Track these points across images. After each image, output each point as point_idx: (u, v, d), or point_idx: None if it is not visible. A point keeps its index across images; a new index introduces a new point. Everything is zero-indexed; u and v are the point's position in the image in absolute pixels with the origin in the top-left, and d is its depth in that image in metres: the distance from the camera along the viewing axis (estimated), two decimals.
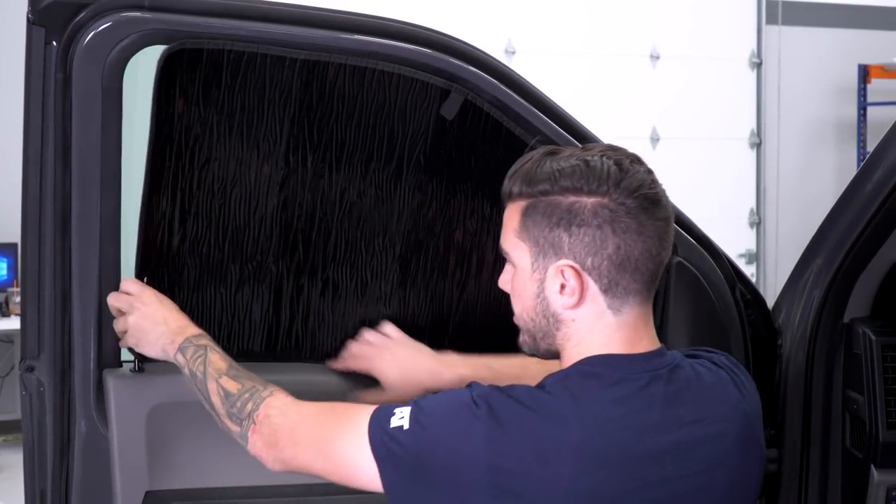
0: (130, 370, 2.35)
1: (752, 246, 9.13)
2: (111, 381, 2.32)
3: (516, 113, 2.43)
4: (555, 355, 2.00)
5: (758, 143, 9.08)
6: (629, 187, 1.89)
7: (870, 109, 9.21)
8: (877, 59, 9.21)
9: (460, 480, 1.85)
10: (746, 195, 9.12)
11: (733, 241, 8.74)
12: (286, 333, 2.49)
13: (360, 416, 1.94)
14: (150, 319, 2.26)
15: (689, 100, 8.84)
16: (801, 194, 9.14)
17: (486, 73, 2.42)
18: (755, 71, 9.09)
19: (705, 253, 2.59)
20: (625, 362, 1.94)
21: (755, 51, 9.07)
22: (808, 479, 2.66)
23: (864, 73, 9.20)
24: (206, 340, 2.22)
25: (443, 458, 1.86)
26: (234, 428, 2.12)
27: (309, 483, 2.43)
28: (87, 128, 2.25)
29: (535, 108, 2.45)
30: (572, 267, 1.92)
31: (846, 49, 9.27)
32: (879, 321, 2.65)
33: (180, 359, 2.22)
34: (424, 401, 1.92)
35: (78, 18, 2.23)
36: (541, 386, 1.92)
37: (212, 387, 2.16)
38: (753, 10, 9.07)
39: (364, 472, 1.92)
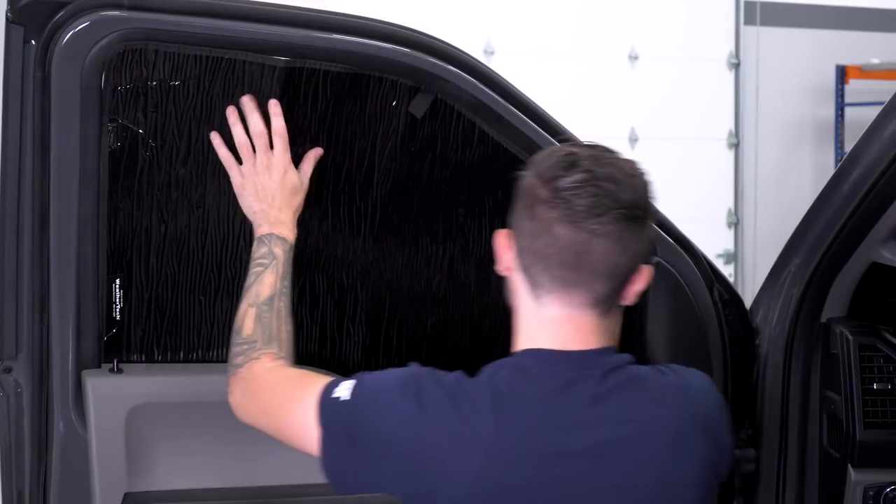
0: (109, 371, 2.35)
1: (730, 246, 9.14)
2: (90, 382, 2.31)
3: (495, 112, 2.43)
4: None
5: (736, 144, 9.10)
6: (560, 185, 1.94)
7: (847, 110, 9.23)
8: (854, 60, 9.23)
9: (383, 455, 1.95)
10: (724, 195, 9.13)
11: (711, 241, 8.75)
12: None
13: (314, 387, 2.04)
14: (259, 192, 2.33)
15: (668, 100, 8.84)
16: (778, 195, 9.15)
17: (466, 73, 2.42)
18: (733, 71, 9.10)
19: (683, 253, 2.59)
20: (555, 358, 1.98)
21: (733, 51, 9.08)
22: (785, 478, 2.67)
23: (842, 74, 9.21)
24: (281, 250, 2.28)
25: (368, 431, 1.96)
26: (229, 367, 2.23)
27: (290, 484, 2.43)
28: (66, 127, 2.24)
29: (515, 107, 2.45)
30: (505, 234, 2.02)
31: (824, 50, 9.28)
32: (856, 321, 2.66)
33: (255, 250, 2.30)
34: (367, 376, 2.03)
35: (57, 17, 2.23)
36: (477, 375, 1.99)
37: (240, 310, 2.26)
38: (732, 10, 9.07)
39: (310, 437, 2.02)
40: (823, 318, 2.67)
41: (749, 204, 9.15)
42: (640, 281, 2.01)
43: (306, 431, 2.02)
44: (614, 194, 1.94)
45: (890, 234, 2.56)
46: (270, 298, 2.25)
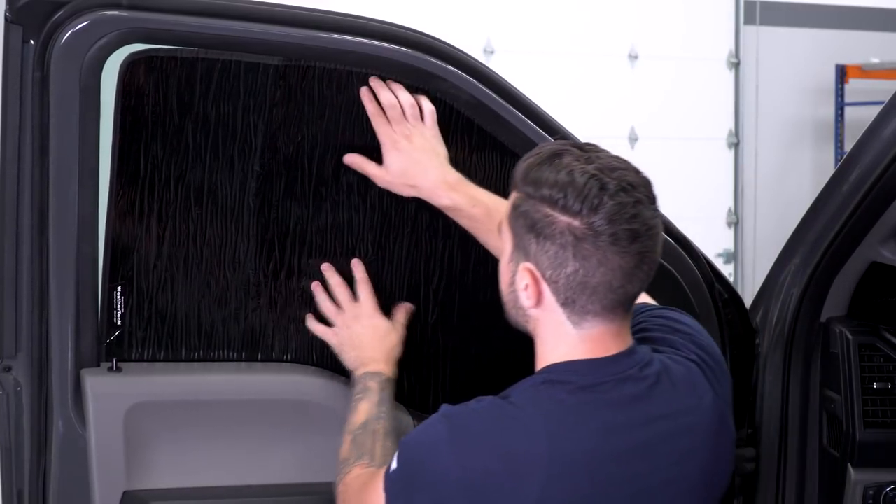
0: (108, 369, 2.35)
1: (730, 245, 9.15)
2: (89, 381, 2.31)
3: (495, 113, 2.43)
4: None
5: (736, 143, 9.10)
6: (603, 216, 1.88)
7: (847, 110, 9.23)
8: (854, 59, 9.23)
9: (440, 499, 1.91)
10: (724, 195, 9.13)
11: (711, 240, 8.75)
12: (264, 336, 2.48)
13: (381, 475, 2.02)
14: (352, 341, 2.42)
15: (668, 100, 8.84)
16: (778, 194, 9.16)
17: (465, 73, 2.42)
18: (733, 71, 9.10)
19: (683, 253, 2.59)
20: (590, 367, 1.96)
21: (733, 51, 9.08)
22: (785, 478, 2.67)
23: (842, 74, 9.22)
24: (374, 382, 2.34)
25: (421, 482, 1.93)
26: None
27: (285, 483, 2.43)
28: (65, 126, 2.24)
29: (514, 107, 2.45)
30: (532, 273, 1.95)
31: (824, 49, 9.28)
32: (856, 321, 2.66)
33: (353, 389, 2.36)
34: (404, 437, 2.02)
35: (55, 17, 2.22)
36: (506, 396, 1.96)
37: (342, 438, 2.28)
38: (731, 10, 9.07)
39: None
40: (823, 318, 2.67)
41: (749, 203, 9.15)
42: None
43: None
44: (645, 201, 1.93)
45: (890, 234, 2.56)
46: (364, 423, 2.27)
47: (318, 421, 2.43)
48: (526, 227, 1.94)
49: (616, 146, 8.72)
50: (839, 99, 9.25)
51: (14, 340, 2.35)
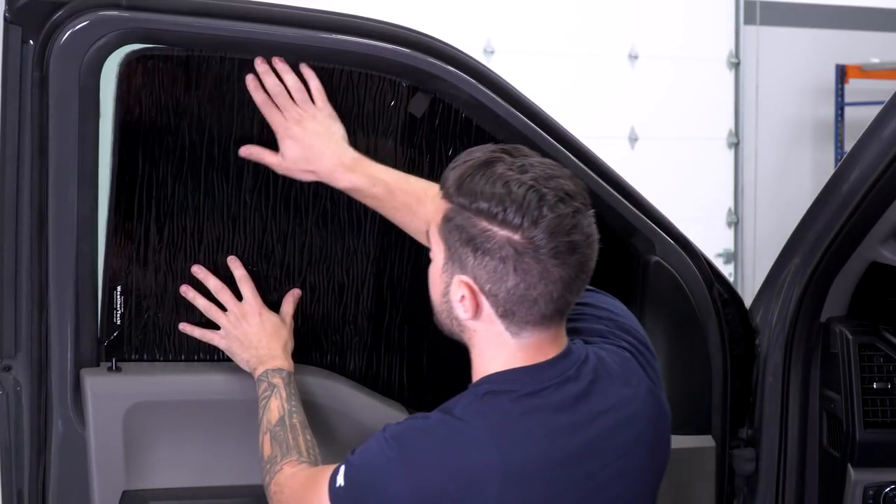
0: (108, 369, 2.35)
1: (730, 245, 9.15)
2: (88, 381, 2.32)
3: (494, 113, 2.43)
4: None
5: (736, 143, 9.10)
6: (544, 230, 1.86)
7: (847, 110, 9.23)
8: (854, 59, 9.23)
9: None
10: (724, 195, 9.13)
11: (711, 240, 8.75)
12: None
13: (324, 483, 1.99)
14: (244, 341, 2.38)
15: (668, 100, 8.84)
16: (778, 194, 9.16)
17: (465, 73, 2.42)
18: (733, 71, 9.10)
19: (683, 253, 2.59)
20: (531, 374, 1.95)
21: (733, 51, 9.08)
22: (785, 478, 2.67)
23: (842, 74, 9.22)
24: (279, 378, 2.31)
25: None
26: (267, 495, 2.21)
27: None
28: (64, 126, 2.24)
29: (514, 108, 2.45)
30: (470, 286, 1.92)
31: (824, 49, 9.28)
32: (856, 321, 2.66)
33: (257, 389, 2.33)
34: (353, 456, 1.97)
35: (55, 17, 2.23)
36: (450, 410, 1.94)
37: (260, 438, 2.26)
38: (731, 10, 9.07)
39: None
40: (823, 318, 2.67)
41: (749, 203, 9.15)
42: None
43: None
44: (583, 209, 1.91)
45: (890, 234, 2.56)
46: (280, 419, 2.25)
47: (319, 420, 2.43)
48: (462, 240, 1.91)
49: (616, 146, 8.73)
50: (839, 99, 9.25)
51: (14, 340, 2.35)
